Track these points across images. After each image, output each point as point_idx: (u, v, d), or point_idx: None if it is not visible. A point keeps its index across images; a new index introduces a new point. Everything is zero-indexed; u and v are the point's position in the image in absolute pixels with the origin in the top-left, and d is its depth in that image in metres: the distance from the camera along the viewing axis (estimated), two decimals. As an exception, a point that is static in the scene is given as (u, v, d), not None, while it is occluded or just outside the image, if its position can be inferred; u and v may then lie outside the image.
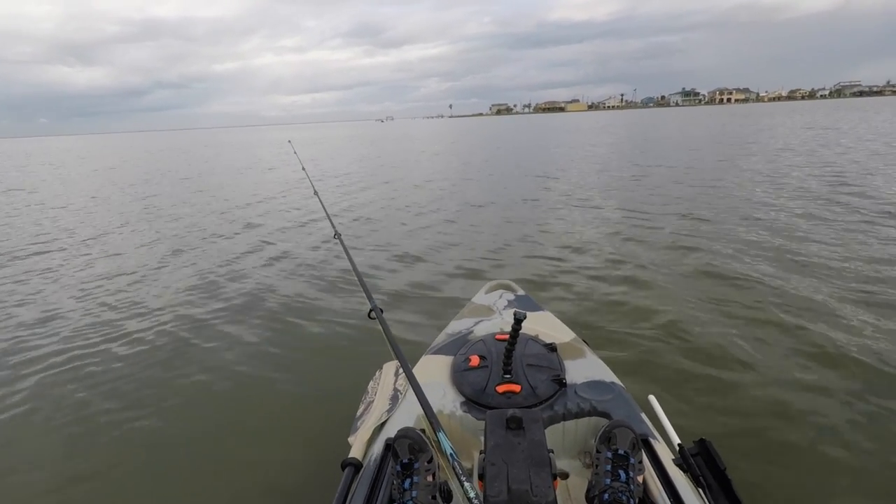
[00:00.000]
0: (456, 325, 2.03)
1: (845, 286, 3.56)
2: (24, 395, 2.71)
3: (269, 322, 3.55)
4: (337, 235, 2.35)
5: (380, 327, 1.56)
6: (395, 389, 1.65)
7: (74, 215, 8.33)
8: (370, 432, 1.48)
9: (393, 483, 1.16)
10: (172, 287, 4.36)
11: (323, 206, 2.93)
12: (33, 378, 2.88)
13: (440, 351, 1.84)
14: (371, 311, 1.62)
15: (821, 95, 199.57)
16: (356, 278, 1.84)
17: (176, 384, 2.78)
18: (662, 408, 1.53)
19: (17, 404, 2.63)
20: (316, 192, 3.26)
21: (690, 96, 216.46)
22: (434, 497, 1.10)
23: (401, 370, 1.76)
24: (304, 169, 4.09)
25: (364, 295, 1.69)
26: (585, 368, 1.73)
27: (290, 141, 6.42)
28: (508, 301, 2.20)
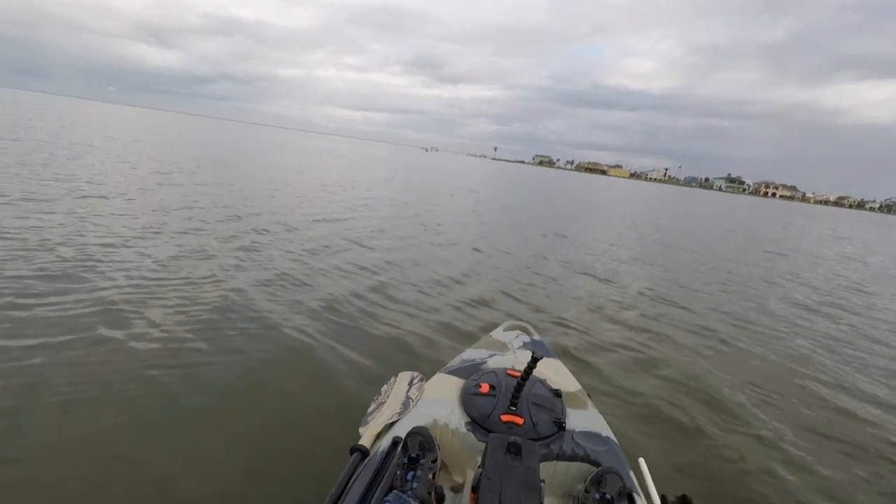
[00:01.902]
0: (471, 353, 2.17)
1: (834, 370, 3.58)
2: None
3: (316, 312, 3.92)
4: None
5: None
6: (408, 397, 1.79)
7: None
8: (380, 427, 1.61)
9: (396, 473, 1.28)
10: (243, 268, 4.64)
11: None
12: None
13: (454, 372, 1.97)
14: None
15: (870, 207, 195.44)
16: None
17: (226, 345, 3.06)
18: (650, 472, 1.63)
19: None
20: None
21: (735, 183, 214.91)
22: (430, 494, 1.22)
23: (415, 380, 1.91)
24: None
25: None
26: (585, 419, 1.84)
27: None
28: (524, 342, 2.33)
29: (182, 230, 5.85)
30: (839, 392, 3.67)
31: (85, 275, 3.95)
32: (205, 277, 4.31)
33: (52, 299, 3.42)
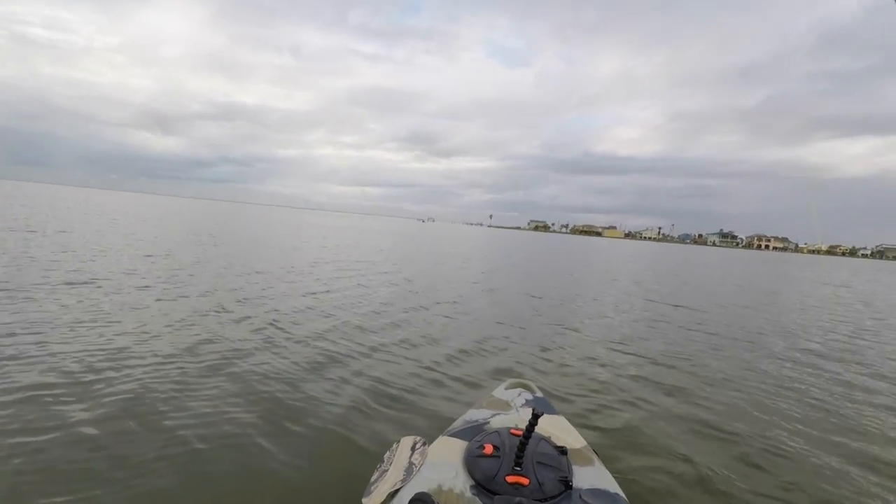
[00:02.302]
0: (474, 414, 2.15)
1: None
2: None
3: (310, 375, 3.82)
4: None
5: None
6: (411, 462, 1.76)
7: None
8: (384, 497, 1.57)
9: None
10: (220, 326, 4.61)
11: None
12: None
13: (457, 435, 1.94)
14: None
15: (862, 254, 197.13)
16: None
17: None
18: None
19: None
20: None
21: (728, 238, 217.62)
22: (437, 559, 1.19)
23: (417, 445, 1.88)
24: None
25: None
26: (593, 476, 1.80)
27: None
28: (526, 400, 2.31)
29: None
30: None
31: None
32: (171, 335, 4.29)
33: None
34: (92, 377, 3.58)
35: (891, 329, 9.17)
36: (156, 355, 4.15)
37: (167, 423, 3.01)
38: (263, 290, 7.78)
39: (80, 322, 4.92)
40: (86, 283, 6.92)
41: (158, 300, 6.29)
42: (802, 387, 4.84)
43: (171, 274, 8.44)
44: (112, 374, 3.67)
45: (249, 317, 5.85)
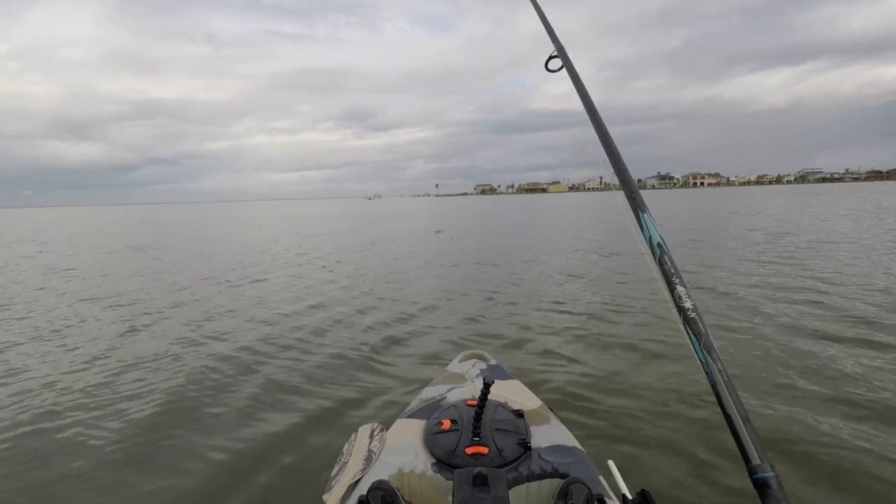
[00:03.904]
0: (430, 391, 2.14)
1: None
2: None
3: (260, 380, 3.63)
4: None
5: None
6: (370, 451, 1.73)
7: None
8: (344, 489, 1.55)
9: None
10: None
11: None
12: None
13: (414, 415, 1.93)
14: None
15: (787, 181, 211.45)
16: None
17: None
18: (620, 473, 1.65)
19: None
20: None
21: (666, 180, 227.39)
22: (401, 549, 1.18)
23: (376, 432, 1.86)
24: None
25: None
26: (550, 434, 1.84)
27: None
28: (481, 370, 2.32)
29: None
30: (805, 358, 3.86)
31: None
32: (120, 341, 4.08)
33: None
34: None
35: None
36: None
37: (92, 435, 2.86)
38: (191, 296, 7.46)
39: None
40: None
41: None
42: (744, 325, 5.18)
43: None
44: None
45: (171, 325, 5.61)
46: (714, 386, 0.78)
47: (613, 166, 1.14)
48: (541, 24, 1.91)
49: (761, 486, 0.70)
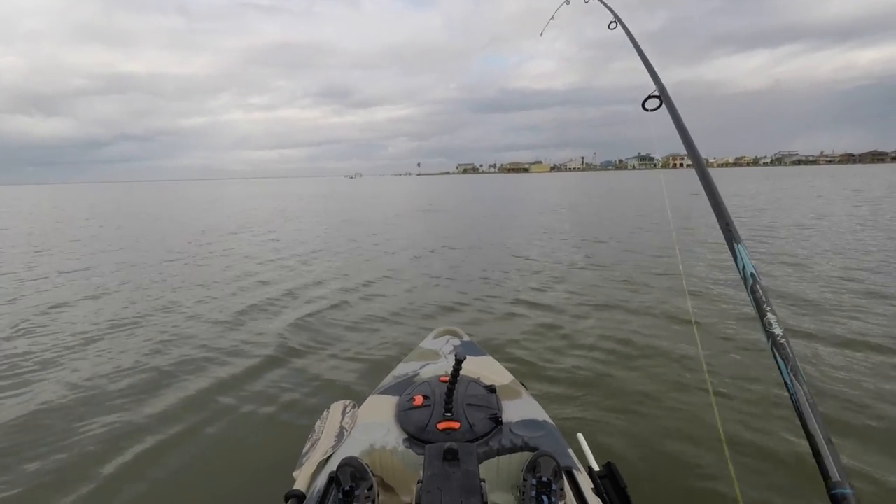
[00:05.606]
0: (403, 368, 2.14)
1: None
2: None
3: (232, 361, 3.58)
4: None
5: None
6: (342, 427, 1.73)
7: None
8: (315, 466, 1.55)
9: None
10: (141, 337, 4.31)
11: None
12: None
13: (387, 391, 1.93)
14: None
15: (763, 163, 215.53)
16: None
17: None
18: (589, 446, 1.68)
19: None
20: None
21: (646, 160, 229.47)
22: (372, 523, 1.19)
23: (348, 409, 1.86)
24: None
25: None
26: (521, 408, 1.86)
27: None
28: (454, 346, 2.33)
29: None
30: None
31: None
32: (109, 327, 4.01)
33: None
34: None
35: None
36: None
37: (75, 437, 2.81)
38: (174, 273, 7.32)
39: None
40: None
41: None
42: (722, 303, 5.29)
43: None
44: None
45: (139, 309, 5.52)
46: (798, 407, 0.81)
47: (710, 200, 1.19)
48: (640, 61, 1.98)
49: (839, 501, 0.72)
